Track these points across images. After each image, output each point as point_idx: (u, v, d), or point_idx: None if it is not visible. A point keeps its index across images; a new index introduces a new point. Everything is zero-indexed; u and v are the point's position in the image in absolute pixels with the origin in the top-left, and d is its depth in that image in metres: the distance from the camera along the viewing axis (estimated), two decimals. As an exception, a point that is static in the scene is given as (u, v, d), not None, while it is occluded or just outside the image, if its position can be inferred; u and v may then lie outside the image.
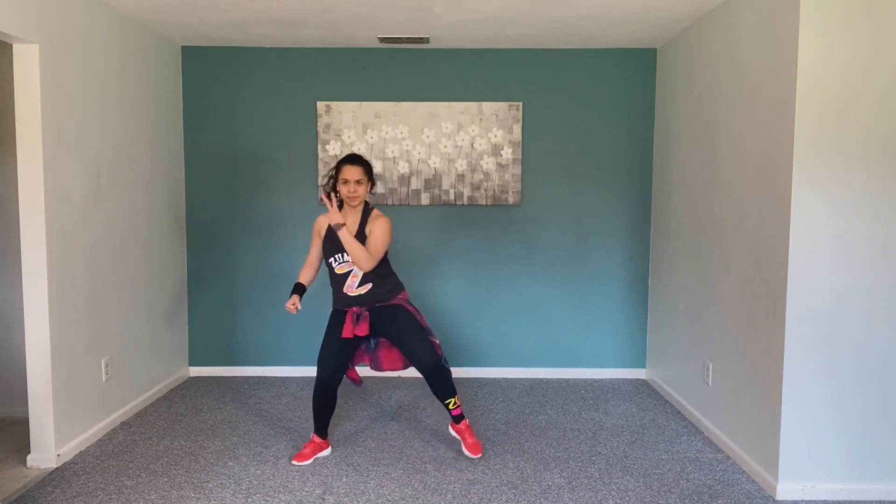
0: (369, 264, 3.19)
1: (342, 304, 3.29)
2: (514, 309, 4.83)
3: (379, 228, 3.24)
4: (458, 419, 3.38)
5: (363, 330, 3.20)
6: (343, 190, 3.22)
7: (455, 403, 3.35)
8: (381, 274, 3.30)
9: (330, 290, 3.36)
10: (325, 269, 3.40)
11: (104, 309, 3.69)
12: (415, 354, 3.26)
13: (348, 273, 3.26)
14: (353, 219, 3.29)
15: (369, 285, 3.26)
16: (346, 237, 3.18)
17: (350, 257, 3.21)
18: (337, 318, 3.30)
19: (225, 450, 3.46)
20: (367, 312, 3.25)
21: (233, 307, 4.83)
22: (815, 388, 2.93)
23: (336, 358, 3.25)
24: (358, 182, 3.21)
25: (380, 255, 3.23)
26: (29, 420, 3.26)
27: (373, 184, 3.33)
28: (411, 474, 3.19)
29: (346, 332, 3.19)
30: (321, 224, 3.36)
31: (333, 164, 4.67)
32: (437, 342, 3.34)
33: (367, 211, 3.32)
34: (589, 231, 4.78)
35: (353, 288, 3.25)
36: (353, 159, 3.25)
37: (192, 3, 3.67)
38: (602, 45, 4.57)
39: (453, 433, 3.44)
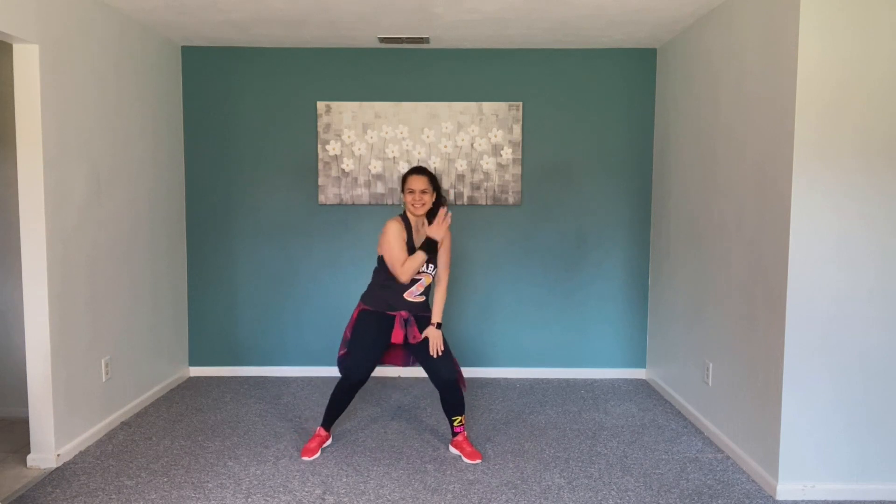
0: (447, 273, 3.43)
1: (389, 308, 3.32)
2: (513, 309, 4.83)
3: (449, 240, 3.43)
4: (456, 435, 3.43)
5: (415, 336, 3.28)
6: (408, 199, 3.31)
7: (460, 422, 3.41)
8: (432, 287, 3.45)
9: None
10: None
11: (104, 309, 3.69)
12: (437, 367, 3.31)
13: (417, 280, 3.32)
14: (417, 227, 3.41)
15: (425, 296, 3.38)
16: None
17: (430, 270, 3.33)
18: (378, 321, 3.31)
19: (225, 450, 3.46)
20: (413, 318, 3.33)
21: (233, 307, 4.83)
22: (815, 387, 2.93)
23: (374, 360, 3.33)
24: (423, 192, 3.29)
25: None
26: (29, 420, 3.26)
27: (439, 196, 3.40)
28: (411, 474, 3.19)
29: (397, 337, 3.27)
30: (401, 229, 3.29)
31: (333, 163, 4.69)
32: (457, 361, 3.44)
33: (431, 221, 3.38)
34: (589, 231, 4.78)
35: (414, 294, 3.33)
36: (419, 170, 3.35)
37: (192, 3, 3.67)
38: (602, 45, 4.57)
39: (453, 450, 3.44)
